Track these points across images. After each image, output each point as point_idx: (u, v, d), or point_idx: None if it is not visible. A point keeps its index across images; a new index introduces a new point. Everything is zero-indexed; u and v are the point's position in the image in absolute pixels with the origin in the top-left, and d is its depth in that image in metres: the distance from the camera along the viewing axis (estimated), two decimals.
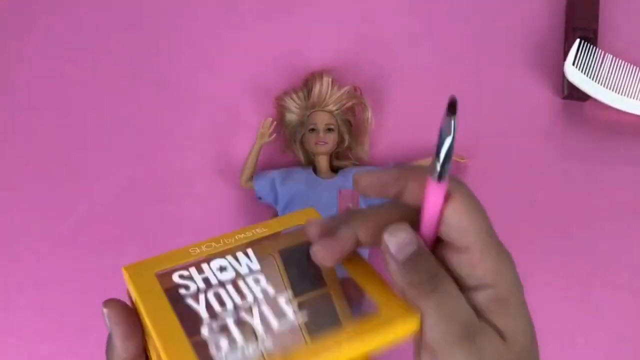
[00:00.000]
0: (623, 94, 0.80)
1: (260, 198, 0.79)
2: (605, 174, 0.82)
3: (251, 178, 0.79)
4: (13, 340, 0.79)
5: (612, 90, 0.80)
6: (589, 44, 0.80)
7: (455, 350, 0.26)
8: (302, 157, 0.81)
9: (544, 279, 0.81)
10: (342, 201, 0.77)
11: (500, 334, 0.26)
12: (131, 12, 0.85)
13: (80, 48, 0.84)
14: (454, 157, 0.84)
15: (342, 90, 0.79)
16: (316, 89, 0.78)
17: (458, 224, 0.27)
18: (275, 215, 0.80)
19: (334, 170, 0.80)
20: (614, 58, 0.80)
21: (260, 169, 0.81)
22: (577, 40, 0.80)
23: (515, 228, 0.81)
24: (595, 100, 0.80)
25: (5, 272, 0.80)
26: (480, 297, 0.27)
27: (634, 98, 0.80)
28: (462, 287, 0.27)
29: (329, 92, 0.78)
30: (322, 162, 0.79)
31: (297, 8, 0.85)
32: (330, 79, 0.79)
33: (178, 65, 0.84)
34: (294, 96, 0.79)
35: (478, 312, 0.27)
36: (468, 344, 0.26)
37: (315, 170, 0.79)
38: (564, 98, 0.83)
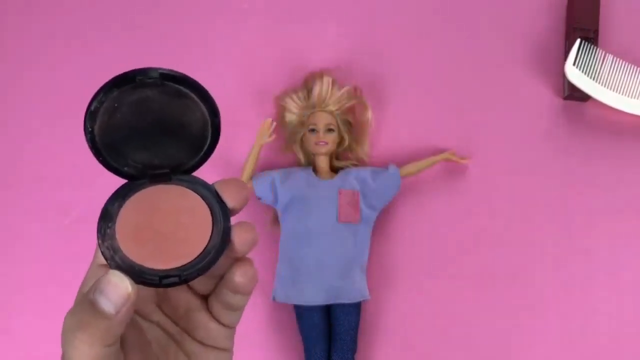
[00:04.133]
0: (623, 94, 0.79)
1: (260, 198, 0.79)
2: (605, 174, 0.82)
3: (251, 178, 0.79)
4: (13, 340, 0.79)
5: (613, 90, 0.79)
6: (589, 45, 0.80)
7: None
8: (302, 158, 0.81)
9: (544, 278, 0.81)
10: (342, 201, 0.77)
11: None
12: (131, 12, 0.85)
13: (81, 48, 0.84)
14: (455, 158, 0.83)
15: (342, 91, 0.79)
16: (316, 89, 0.78)
17: None
18: (275, 215, 0.80)
19: (334, 170, 0.80)
20: (615, 58, 0.80)
21: (260, 169, 0.80)
22: (578, 41, 0.80)
23: (515, 228, 0.81)
24: (595, 100, 0.80)
25: (5, 272, 0.80)
26: None
27: (634, 98, 0.79)
28: None
29: (329, 92, 0.78)
30: (322, 162, 0.79)
31: (297, 8, 0.85)
32: (330, 79, 0.78)
33: (178, 65, 0.83)
34: (294, 96, 0.79)
35: None
36: None
37: (315, 170, 0.79)
38: (565, 98, 0.83)
